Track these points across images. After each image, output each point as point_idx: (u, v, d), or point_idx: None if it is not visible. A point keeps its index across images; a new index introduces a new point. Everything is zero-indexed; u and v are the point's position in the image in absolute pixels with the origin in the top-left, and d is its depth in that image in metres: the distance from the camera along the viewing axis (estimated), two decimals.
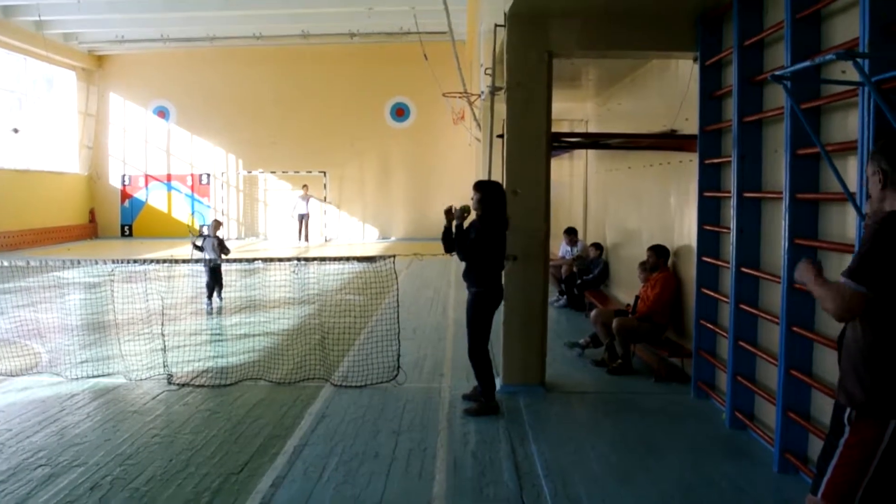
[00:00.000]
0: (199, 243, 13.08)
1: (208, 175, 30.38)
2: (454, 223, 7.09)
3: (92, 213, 30.54)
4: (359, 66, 29.06)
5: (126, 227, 30.59)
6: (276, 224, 30.25)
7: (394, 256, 8.27)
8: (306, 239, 27.92)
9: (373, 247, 26.76)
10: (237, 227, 30.63)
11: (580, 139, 8.86)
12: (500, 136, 8.12)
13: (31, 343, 9.85)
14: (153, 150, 30.61)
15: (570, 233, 14.06)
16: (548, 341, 8.07)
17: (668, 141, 8.64)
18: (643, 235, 10.50)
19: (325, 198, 29.76)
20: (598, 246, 13.18)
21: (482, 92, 10.60)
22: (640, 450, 6.12)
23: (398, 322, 8.56)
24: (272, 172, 30.01)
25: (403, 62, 27.00)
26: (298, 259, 8.27)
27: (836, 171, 3.92)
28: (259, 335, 10.45)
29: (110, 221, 30.63)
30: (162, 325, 8.75)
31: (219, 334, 10.76)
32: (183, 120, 30.30)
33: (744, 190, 6.37)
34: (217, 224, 13.77)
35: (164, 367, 8.42)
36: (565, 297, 13.28)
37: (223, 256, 12.86)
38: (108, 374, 8.49)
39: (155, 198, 30.67)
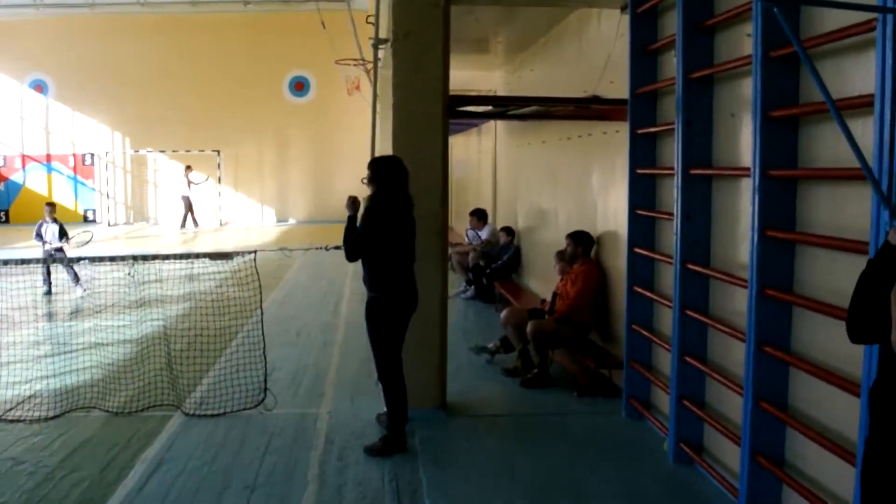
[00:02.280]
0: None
1: (92, 155, 27.77)
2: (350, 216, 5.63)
3: None
4: (254, 37, 26.84)
5: (1, 213, 27.77)
6: (167, 207, 27.82)
7: (255, 252, 6.67)
8: (193, 224, 25.73)
9: (271, 231, 24.95)
10: (125, 210, 28.15)
11: (484, 105, 7.36)
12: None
13: None
14: (30, 127, 27.73)
15: (478, 215, 12.64)
16: (450, 345, 6.73)
17: (588, 109, 7.26)
18: (560, 219, 9.17)
19: (219, 178, 27.63)
20: (508, 230, 11.83)
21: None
22: (565, 501, 4.76)
23: (262, 333, 6.96)
24: (161, 152, 27.62)
25: (302, 33, 24.84)
26: (135, 257, 6.51)
27: (851, 138, 2.58)
28: (109, 345, 8.66)
29: None
30: None
31: (63, 345, 8.88)
32: (63, 95, 27.49)
33: (690, 165, 5.04)
34: (53, 207, 12.56)
35: None
36: (473, 287, 11.90)
37: (64, 244, 12.05)
38: None
39: (33, 180, 27.85)
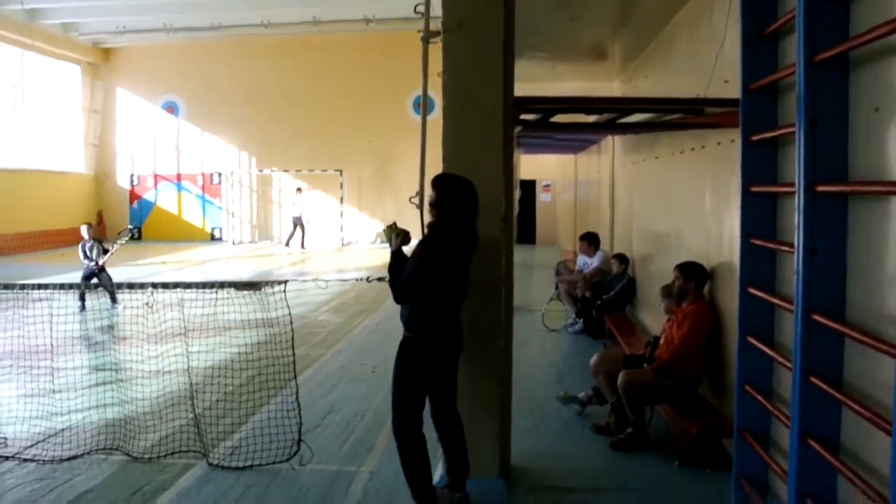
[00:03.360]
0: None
1: (220, 174, 28.26)
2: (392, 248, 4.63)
3: (100, 214, 28.65)
4: (376, 56, 26.53)
5: (135, 230, 28.58)
6: (290, 226, 27.89)
7: (285, 282, 5.74)
8: (300, 245, 25.64)
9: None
10: (250, 229, 28.46)
11: (559, 108, 6.11)
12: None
13: None
14: (162, 147, 28.62)
15: (588, 239, 11.37)
16: (541, 389, 6.15)
17: (696, 115, 5.96)
18: (672, 246, 7.85)
19: (341, 198, 27.41)
20: (621, 258, 10.51)
21: None
22: None
23: (294, 373, 6.00)
24: (285, 171, 27.72)
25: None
26: (154, 285, 5.74)
27: None
28: (165, 373, 7.96)
29: (118, 223, 28.45)
30: None
31: (120, 371, 8.26)
32: (193, 115, 28.24)
33: (816, 180, 3.71)
34: (90, 226, 13.00)
35: None
36: (582, 320, 10.65)
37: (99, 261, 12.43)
38: None
39: (164, 198, 28.68)
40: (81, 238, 12.63)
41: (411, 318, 4.53)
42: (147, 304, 5.88)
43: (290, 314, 5.85)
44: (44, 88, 26.79)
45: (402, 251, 4.60)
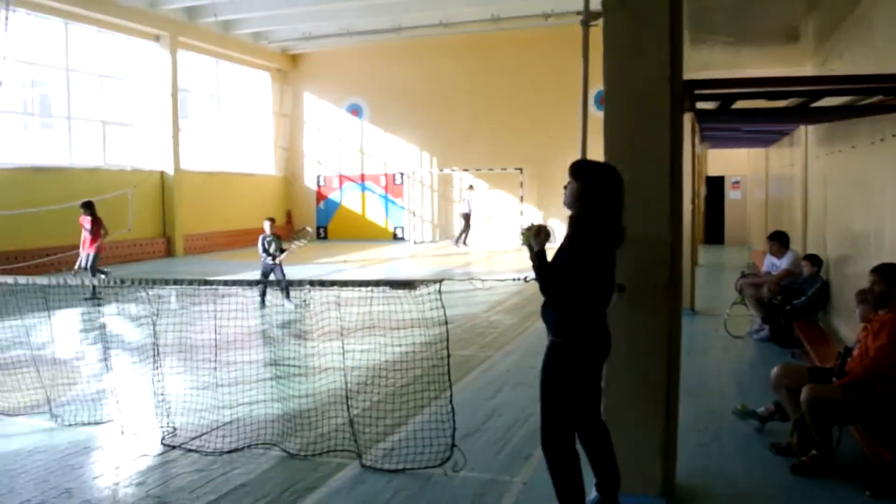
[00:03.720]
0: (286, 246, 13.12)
1: (402, 174, 28.90)
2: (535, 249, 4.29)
3: (289, 214, 30.16)
4: (557, 52, 26.06)
5: (321, 229, 29.89)
6: (458, 226, 28.12)
7: (440, 281, 5.53)
8: (463, 243, 25.92)
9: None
10: (431, 229, 28.91)
11: (733, 90, 5.45)
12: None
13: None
14: (347, 149, 29.66)
15: (778, 239, 10.44)
16: (719, 401, 5.84)
17: (890, 96, 5.22)
18: (872, 246, 7.01)
19: (521, 197, 27.23)
20: (814, 259, 9.59)
21: None
22: None
23: (449, 376, 5.77)
24: (465, 170, 27.91)
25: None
26: (312, 283, 5.73)
27: None
28: (333, 369, 8.06)
29: (306, 223, 29.96)
30: (156, 361, 6.57)
31: (290, 367, 8.44)
32: (376, 117, 29.05)
33: None
34: (273, 222, 13.37)
35: (163, 418, 6.35)
36: (768, 326, 9.82)
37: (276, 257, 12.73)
38: (102, 422, 6.59)
39: (349, 199, 29.70)
40: (263, 232, 13.05)
41: (559, 321, 4.20)
42: (304, 301, 5.89)
43: (444, 314, 5.64)
44: (238, 95, 28.53)
45: (545, 251, 4.26)
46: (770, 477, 5.26)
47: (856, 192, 7.89)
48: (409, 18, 25.13)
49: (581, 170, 4.22)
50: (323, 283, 5.65)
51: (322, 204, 29.97)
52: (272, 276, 12.52)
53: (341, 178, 29.71)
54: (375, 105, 28.93)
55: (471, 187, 26.70)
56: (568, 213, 4.25)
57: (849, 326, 8.16)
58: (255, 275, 16.27)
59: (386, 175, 29.18)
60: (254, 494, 5.09)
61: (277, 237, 12.98)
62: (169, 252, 23.64)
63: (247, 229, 27.18)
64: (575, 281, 4.08)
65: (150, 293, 7.18)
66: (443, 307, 5.54)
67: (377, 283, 5.66)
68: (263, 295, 12.21)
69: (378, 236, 28.91)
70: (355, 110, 29.28)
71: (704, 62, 11.38)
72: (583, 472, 4.22)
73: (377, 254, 24.01)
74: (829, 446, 5.24)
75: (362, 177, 29.47)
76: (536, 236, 4.20)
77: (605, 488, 4.42)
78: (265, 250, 12.81)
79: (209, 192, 25.62)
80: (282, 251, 12.86)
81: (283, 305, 12.19)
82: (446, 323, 5.71)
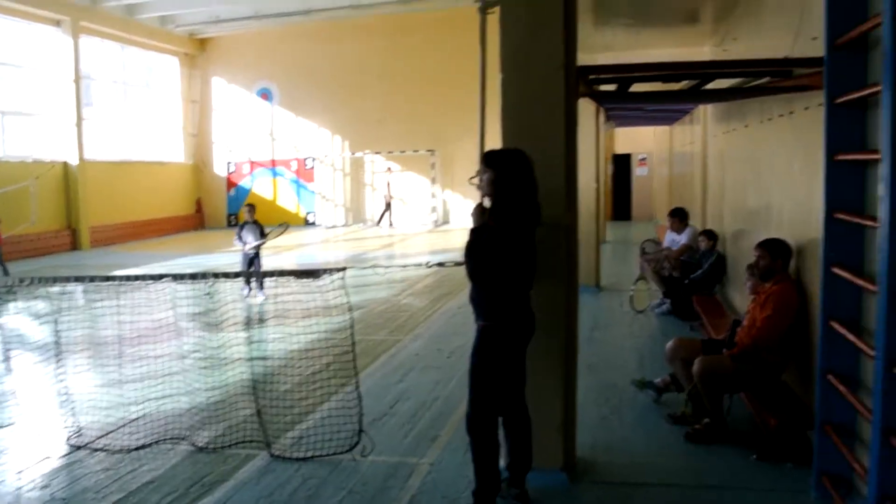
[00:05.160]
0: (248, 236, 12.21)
1: (313, 159, 28.60)
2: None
3: (199, 202, 29.52)
4: (469, 34, 26.09)
5: (232, 217, 29.32)
6: (378, 209, 28.10)
7: (343, 269, 5.55)
8: (389, 224, 26.61)
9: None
10: (344, 213, 28.73)
11: (625, 74, 5.59)
12: None
13: None
14: (257, 134, 29.19)
15: (678, 215, 10.81)
16: (619, 375, 6.10)
17: (781, 79, 5.46)
18: (762, 221, 7.34)
19: (433, 179, 27.34)
20: (710, 234, 9.96)
21: None
22: None
23: (354, 363, 5.82)
24: (377, 153, 27.82)
25: None
26: (216, 275, 5.67)
27: None
28: (237, 361, 7.99)
29: (217, 211, 29.53)
30: (59, 360, 6.38)
31: (194, 360, 8.31)
32: (286, 101, 28.64)
33: None
34: (252, 208, 12.49)
35: (67, 417, 6.17)
36: (669, 301, 10.17)
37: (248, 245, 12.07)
38: (2, 426, 6.40)
39: (260, 185, 29.26)
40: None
41: (484, 306, 4.33)
42: (208, 293, 5.83)
43: (349, 302, 5.67)
44: (144, 81, 27.71)
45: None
46: (666, 446, 5.49)
47: (749, 169, 8.22)
48: (321, 1, 24.78)
49: (493, 158, 4.37)
50: (227, 275, 5.60)
51: (232, 191, 29.45)
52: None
53: (252, 163, 29.24)
54: (286, 89, 28.51)
55: (389, 170, 26.67)
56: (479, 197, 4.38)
57: (743, 299, 8.50)
58: (170, 266, 15.89)
59: (297, 160, 28.85)
60: (162, 490, 5.02)
61: (257, 224, 12.20)
62: (74, 245, 22.87)
63: (156, 219, 26.62)
64: (485, 258, 4.18)
65: (58, 290, 6.91)
66: (347, 295, 5.57)
67: (281, 274, 5.63)
68: (249, 282, 11.73)
69: (290, 222, 28.41)
70: (265, 94, 28.80)
71: (607, 44, 11.60)
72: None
73: (289, 240, 23.74)
74: (720, 414, 5.49)
75: (273, 162, 29.06)
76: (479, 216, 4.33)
77: (515, 468, 4.55)
78: (239, 238, 12.19)
79: (116, 182, 24.87)
80: (263, 235, 12.16)
81: (246, 296, 11.72)
82: (350, 311, 5.76)
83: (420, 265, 7.33)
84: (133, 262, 18.84)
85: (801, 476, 4.68)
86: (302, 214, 28.80)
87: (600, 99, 6.71)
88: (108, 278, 6.28)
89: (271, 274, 6.00)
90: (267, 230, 12.36)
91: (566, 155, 4.76)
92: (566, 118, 4.76)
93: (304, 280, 5.60)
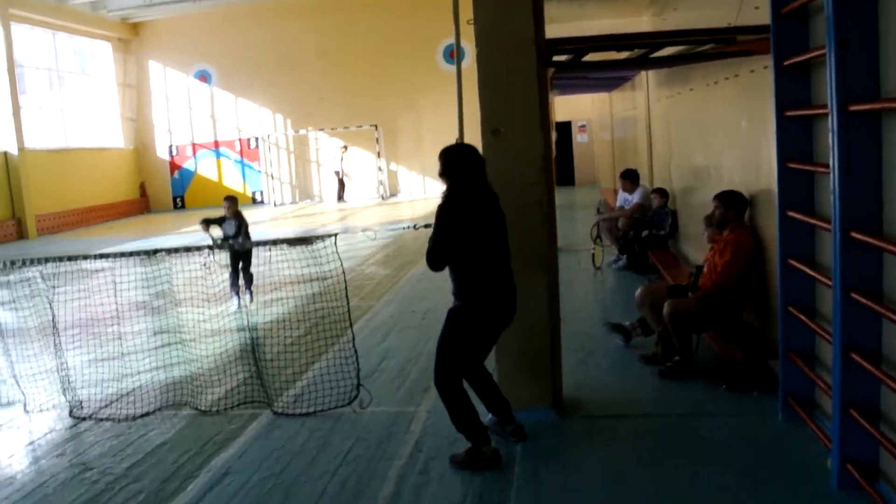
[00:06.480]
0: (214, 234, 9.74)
1: (256, 139, 28.57)
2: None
3: (143, 186, 29.27)
4: (403, 9, 26.41)
5: (178, 199, 29.23)
6: (329, 185, 28.28)
7: (335, 235, 5.95)
8: (341, 199, 27.12)
9: (434, 203, 24.62)
10: (290, 190, 28.83)
11: (589, 47, 6.10)
12: None
13: None
14: (198, 116, 29.00)
15: (629, 177, 11.38)
16: (589, 325, 6.51)
17: (727, 45, 5.98)
18: (712, 177, 7.90)
19: (378, 153, 27.62)
20: (661, 192, 10.55)
21: None
22: None
23: (350, 323, 6.25)
24: (321, 130, 27.94)
25: None
26: (210, 247, 6.02)
27: None
28: (226, 332, 8.34)
29: (161, 194, 29.32)
30: (57, 335, 6.63)
31: (182, 333, 8.61)
32: (225, 82, 28.47)
33: (849, 101, 3.79)
34: (233, 201, 10.13)
35: (67, 392, 6.43)
36: (625, 256, 10.76)
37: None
38: (2, 405, 6.63)
39: (204, 166, 29.13)
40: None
41: (457, 287, 4.64)
42: (204, 265, 6.13)
43: (342, 266, 6.05)
44: (79, 67, 27.26)
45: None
46: (642, 383, 6.02)
47: (696, 129, 8.78)
48: None
49: (442, 155, 4.68)
50: (220, 247, 5.91)
51: (176, 174, 29.26)
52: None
53: (194, 146, 29.05)
54: (224, 70, 28.33)
55: (345, 148, 27.04)
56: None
57: (695, 250, 9.13)
58: (124, 249, 15.89)
59: (240, 140, 28.78)
60: (177, 450, 5.36)
61: (239, 216, 9.95)
62: (20, 234, 22.59)
63: (101, 205, 26.38)
64: (447, 244, 4.49)
65: (38, 273, 7.11)
66: (339, 258, 5.95)
67: (274, 242, 5.98)
68: (235, 285, 9.80)
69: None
70: (203, 76, 28.58)
71: (552, 16, 12.01)
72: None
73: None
74: (689, 351, 6.04)
75: (216, 143, 28.93)
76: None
77: (498, 409, 5.00)
78: (227, 236, 9.73)
79: (58, 170, 24.57)
80: (246, 233, 9.98)
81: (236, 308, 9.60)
82: (343, 272, 6.11)
83: (408, 228, 7.66)
84: (84, 248, 18.72)
85: (768, 401, 5.24)
86: (249, 194, 28.77)
87: (560, 68, 7.15)
88: (101, 255, 6.52)
89: (265, 242, 6.31)
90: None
91: (541, 121, 5.20)
92: (539, 87, 5.19)
93: (296, 247, 5.94)
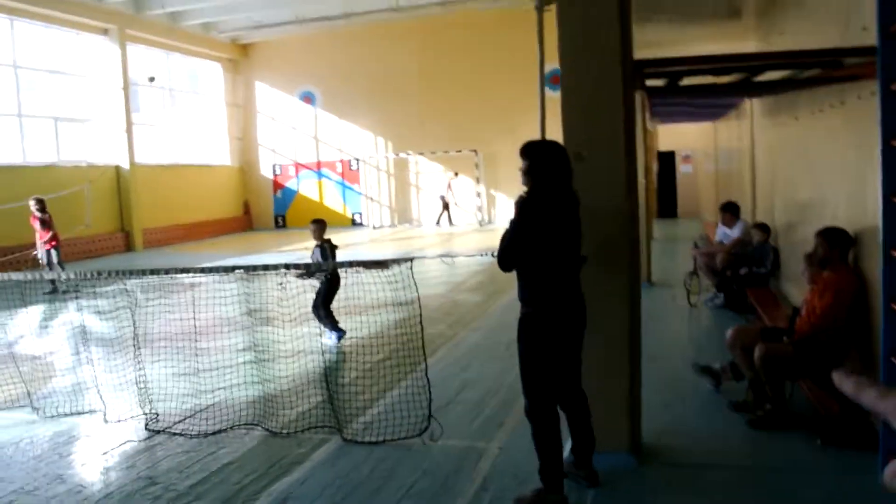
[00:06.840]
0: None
1: (357, 160, 28.99)
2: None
3: (246, 204, 30.12)
4: (508, 34, 26.31)
5: (279, 218, 29.89)
6: (428, 209, 28.39)
7: (411, 259, 5.78)
8: (449, 223, 27.03)
9: None
10: (389, 213, 29.09)
11: (680, 67, 5.77)
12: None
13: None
14: (301, 137, 29.65)
15: (730, 210, 10.86)
16: (678, 367, 6.09)
17: (833, 69, 5.56)
18: (816, 212, 7.40)
19: (477, 178, 27.56)
20: (763, 227, 10.00)
21: None
22: None
23: (423, 350, 6.05)
24: (421, 154, 28.13)
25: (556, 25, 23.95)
26: (287, 266, 5.95)
27: None
28: (304, 353, 8.27)
29: (264, 212, 30.09)
30: (137, 347, 6.69)
31: (262, 351, 8.61)
32: (329, 104, 29.04)
33: None
34: (320, 225, 9.19)
35: (145, 404, 6.49)
36: (723, 294, 10.23)
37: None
38: (83, 413, 6.74)
39: (306, 186, 29.73)
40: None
41: (524, 293, 4.46)
42: (280, 284, 6.07)
43: (417, 292, 5.87)
44: (190, 87, 28.39)
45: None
46: (729, 431, 5.60)
47: (800, 161, 8.28)
48: (361, 4, 25.06)
49: (526, 148, 4.48)
50: (298, 266, 5.85)
51: (279, 193, 29.96)
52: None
53: (297, 165, 29.70)
54: (328, 92, 28.90)
55: (455, 174, 27.38)
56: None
57: (798, 289, 8.58)
58: (224, 265, 16.20)
59: (342, 161, 29.23)
60: (242, 470, 5.30)
61: (328, 244, 8.96)
62: (128, 247, 23.50)
63: (206, 221, 27.21)
64: (522, 245, 4.31)
65: (124, 286, 7.25)
66: (414, 283, 5.78)
67: (350, 265, 5.86)
68: (327, 321, 8.83)
69: (337, 222, 28.92)
70: (308, 98, 29.23)
71: (651, 40, 11.71)
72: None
73: (338, 240, 24.06)
74: (782, 400, 5.59)
75: (318, 164, 29.49)
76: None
77: (579, 451, 4.71)
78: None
79: (165, 186, 25.47)
80: (333, 257, 9.00)
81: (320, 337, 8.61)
82: (418, 298, 5.92)
83: (484, 255, 7.45)
84: (187, 262, 19.30)
85: (865, 459, 4.76)
86: (348, 215, 29.19)
87: (651, 93, 6.85)
88: (182, 270, 6.55)
89: (342, 265, 6.22)
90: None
91: (626, 148, 4.92)
92: (625, 111, 4.92)
93: (373, 271, 5.81)
